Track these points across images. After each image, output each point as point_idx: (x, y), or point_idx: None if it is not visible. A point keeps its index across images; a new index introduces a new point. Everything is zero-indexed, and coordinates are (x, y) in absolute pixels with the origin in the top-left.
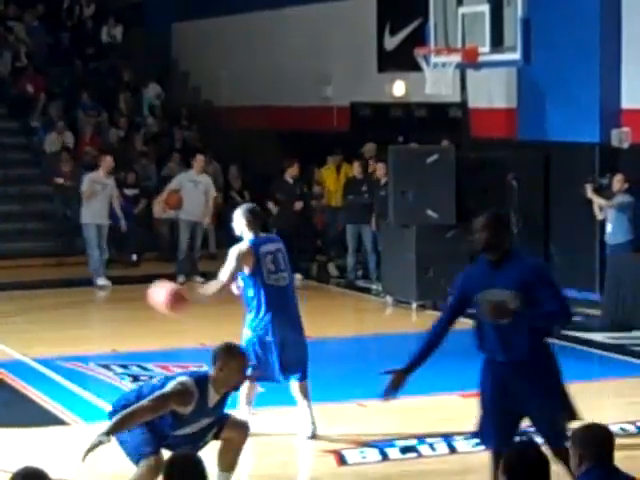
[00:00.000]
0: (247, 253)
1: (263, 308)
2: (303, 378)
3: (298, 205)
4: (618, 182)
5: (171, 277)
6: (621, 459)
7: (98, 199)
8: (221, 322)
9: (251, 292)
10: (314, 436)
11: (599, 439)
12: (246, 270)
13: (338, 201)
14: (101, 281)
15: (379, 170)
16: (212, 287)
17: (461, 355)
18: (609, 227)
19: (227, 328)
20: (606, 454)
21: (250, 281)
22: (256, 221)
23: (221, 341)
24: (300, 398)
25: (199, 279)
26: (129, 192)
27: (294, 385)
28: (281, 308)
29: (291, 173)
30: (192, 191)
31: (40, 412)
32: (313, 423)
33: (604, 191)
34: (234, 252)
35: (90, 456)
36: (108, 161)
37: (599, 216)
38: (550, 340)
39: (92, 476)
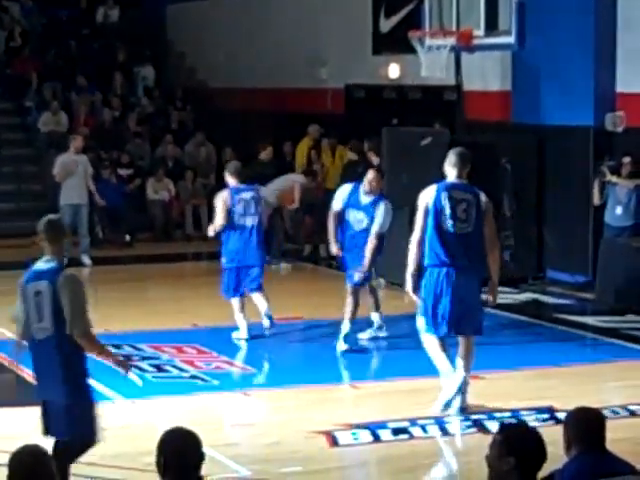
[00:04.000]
0: None
1: None
2: None
3: None
4: (628, 165)
5: (165, 258)
6: (611, 442)
7: (72, 179)
8: (213, 303)
9: None
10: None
11: (590, 423)
12: None
13: (333, 183)
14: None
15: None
16: None
17: (452, 339)
18: (619, 209)
19: (219, 309)
20: (596, 439)
21: None
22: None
23: (213, 322)
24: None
25: (284, 264)
26: (123, 172)
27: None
28: None
29: (265, 156)
30: None
31: (33, 392)
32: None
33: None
34: None
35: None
36: (78, 140)
37: (597, 201)
38: (541, 323)
39: (89, 457)
